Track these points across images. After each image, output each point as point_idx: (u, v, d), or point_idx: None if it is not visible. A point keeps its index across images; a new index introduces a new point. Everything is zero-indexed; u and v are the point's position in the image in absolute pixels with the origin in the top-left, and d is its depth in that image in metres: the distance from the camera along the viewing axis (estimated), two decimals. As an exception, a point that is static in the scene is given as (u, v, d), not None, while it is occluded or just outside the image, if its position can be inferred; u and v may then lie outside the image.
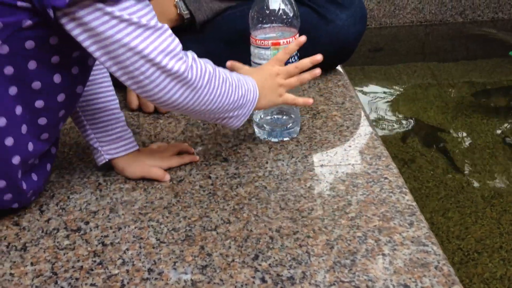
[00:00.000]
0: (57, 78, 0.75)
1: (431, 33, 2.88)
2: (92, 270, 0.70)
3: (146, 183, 0.89)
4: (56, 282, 0.69)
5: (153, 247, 0.74)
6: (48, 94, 0.75)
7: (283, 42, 0.94)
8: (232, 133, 1.03)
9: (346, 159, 0.93)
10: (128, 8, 0.68)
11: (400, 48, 2.80)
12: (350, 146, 0.98)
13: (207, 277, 0.68)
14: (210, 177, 0.90)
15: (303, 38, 0.92)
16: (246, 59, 1.00)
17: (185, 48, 0.79)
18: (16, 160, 0.74)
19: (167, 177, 0.89)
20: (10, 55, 0.69)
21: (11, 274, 0.71)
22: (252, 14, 0.95)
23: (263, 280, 0.67)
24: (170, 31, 0.73)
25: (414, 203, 0.80)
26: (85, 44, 0.69)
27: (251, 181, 0.88)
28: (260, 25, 0.95)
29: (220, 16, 1.21)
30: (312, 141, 1.00)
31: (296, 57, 0.97)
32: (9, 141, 0.73)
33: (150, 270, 0.70)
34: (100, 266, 0.71)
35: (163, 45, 0.71)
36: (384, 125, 1.96)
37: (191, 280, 0.68)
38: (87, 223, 0.80)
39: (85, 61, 0.79)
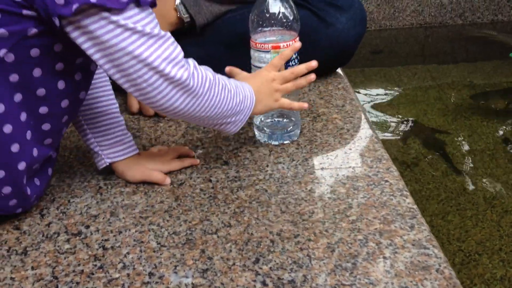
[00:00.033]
0: (61, 85, 0.75)
1: (430, 35, 2.88)
2: (92, 274, 0.70)
3: (147, 186, 0.89)
4: (56, 286, 0.69)
5: (154, 251, 0.74)
6: (52, 100, 0.75)
7: (283, 46, 0.94)
8: (232, 136, 1.03)
9: (347, 162, 0.93)
10: (133, 17, 0.69)
11: (400, 50, 2.80)
12: (350, 149, 0.98)
13: (208, 280, 0.68)
14: (210, 180, 0.90)
15: (298, 44, 0.93)
16: (246, 62, 1.00)
17: (185, 51, 0.79)
18: (22, 166, 0.75)
19: (168, 180, 0.89)
20: (15, 63, 0.70)
21: (11, 278, 0.70)
22: (252, 18, 0.96)
23: (264, 283, 0.67)
24: (172, 39, 0.74)
25: (415, 206, 0.80)
26: (89, 52, 0.70)
27: (252, 184, 0.88)
28: (260, 28, 0.95)
29: (220, 20, 1.21)
30: (312, 144, 1.00)
31: (296, 60, 0.97)
32: (15, 148, 0.74)
33: (151, 274, 0.70)
34: (101, 270, 0.71)
35: (166, 53, 0.72)
36: (385, 128, 1.97)
37: (192, 284, 0.68)
38: (87, 227, 0.80)
39: (88, 67, 0.79)
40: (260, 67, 0.95)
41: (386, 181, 0.87)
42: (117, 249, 0.75)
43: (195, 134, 1.06)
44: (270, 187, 0.87)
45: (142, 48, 0.70)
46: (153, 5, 0.71)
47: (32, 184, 0.80)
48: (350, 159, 0.94)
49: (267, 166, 0.93)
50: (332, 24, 1.20)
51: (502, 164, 1.69)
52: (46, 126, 0.77)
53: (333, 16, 1.20)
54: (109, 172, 0.92)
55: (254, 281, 0.67)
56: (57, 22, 0.67)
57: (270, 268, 0.69)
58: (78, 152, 1.02)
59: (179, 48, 0.74)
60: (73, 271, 0.71)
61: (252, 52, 0.97)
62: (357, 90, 2.25)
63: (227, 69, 0.96)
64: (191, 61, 0.77)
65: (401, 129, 1.95)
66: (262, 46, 0.94)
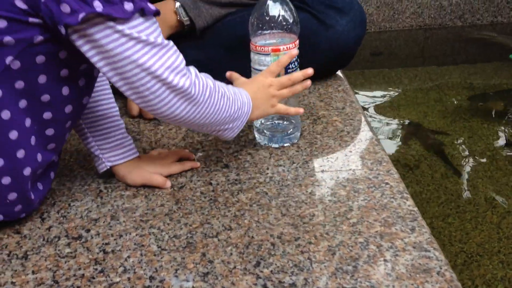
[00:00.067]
0: (65, 91, 0.76)
1: (430, 37, 2.88)
2: (93, 278, 0.70)
3: (147, 190, 0.89)
4: (57, 291, 0.69)
5: (155, 255, 0.74)
6: (56, 106, 0.76)
7: (283, 48, 0.94)
8: (232, 139, 1.03)
9: (347, 165, 0.93)
10: (137, 26, 0.70)
11: (399, 52, 2.80)
12: (350, 152, 0.98)
13: (209, 284, 0.68)
14: (211, 184, 0.90)
15: (295, 51, 0.94)
16: (246, 65, 1.00)
17: (185, 54, 0.80)
18: (27, 171, 0.76)
19: (168, 184, 0.89)
20: (21, 70, 0.70)
21: (12, 283, 0.70)
22: (252, 21, 0.96)
23: (265, 287, 0.67)
24: (175, 48, 0.75)
25: (416, 209, 0.80)
26: (94, 59, 0.71)
27: (252, 187, 0.88)
28: (260, 31, 0.95)
29: (220, 22, 1.21)
30: (312, 147, 1.00)
31: (296, 63, 0.97)
32: (20, 153, 0.74)
33: (151, 278, 0.70)
34: (102, 274, 0.71)
35: (169, 61, 0.73)
36: (385, 130, 1.97)
37: (193, 287, 0.68)
38: (88, 230, 0.80)
39: (92, 73, 0.80)
40: (260, 70, 0.96)
41: (387, 183, 0.87)
42: (118, 253, 0.75)
43: (195, 137, 1.06)
44: (271, 190, 0.87)
45: (146, 57, 0.71)
46: (157, 14, 0.72)
47: (36, 189, 0.80)
48: (350, 162, 0.94)
49: (268, 169, 0.93)
50: (332, 26, 1.20)
51: (502, 166, 1.69)
52: (50, 132, 0.78)
53: (332, 19, 1.20)
54: (110, 175, 0.92)
55: (255, 284, 0.67)
56: (63, 30, 0.68)
57: (271, 271, 0.69)
58: (79, 155, 1.02)
59: (181, 56, 0.75)
60: (74, 275, 0.71)
61: (252, 55, 0.97)
62: (357, 92, 2.25)
63: (228, 74, 0.97)
64: (192, 69, 0.78)
65: (401, 131, 1.95)
66: (262, 49, 0.94)
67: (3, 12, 0.66)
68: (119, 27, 0.68)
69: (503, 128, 1.95)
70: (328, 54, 1.23)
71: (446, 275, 0.67)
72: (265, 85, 0.91)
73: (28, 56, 0.70)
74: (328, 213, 0.80)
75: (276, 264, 0.70)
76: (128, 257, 0.74)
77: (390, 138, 1.90)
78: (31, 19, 0.68)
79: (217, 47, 1.22)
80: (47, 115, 0.76)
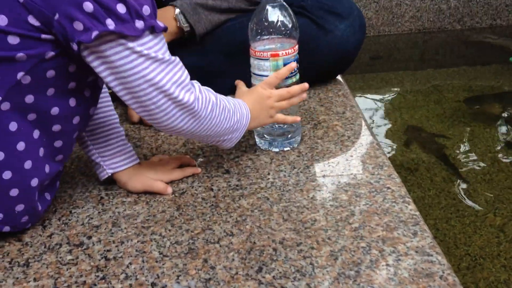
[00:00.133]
0: (72, 102, 0.77)
1: (429, 41, 2.89)
2: (95, 285, 0.70)
3: (148, 196, 0.89)
4: (59, 298, 0.69)
5: (156, 261, 0.73)
6: (64, 118, 0.77)
7: (282, 53, 0.94)
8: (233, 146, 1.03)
9: (348, 169, 0.93)
10: (147, 43, 0.72)
11: (399, 56, 2.81)
12: (351, 156, 0.97)
13: (211, 290, 0.68)
14: (212, 189, 0.90)
15: (294, 64, 0.95)
16: (245, 71, 1.00)
17: (185, 60, 0.80)
18: (34, 182, 0.76)
19: (169, 190, 0.89)
20: (31, 84, 0.71)
21: (14, 290, 0.70)
22: (251, 26, 0.96)
23: (267, 292, 0.67)
24: (181, 63, 0.77)
25: (418, 213, 0.80)
26: (103, 74, 0.72)
27: (253, 193, 0.88)
28: (259, 36, 0.96)
29: (220, 28, 1.22)
30: (313, 152, 1.00)
31: (296, 69, 0.97)
32: (28, 165, 0.75)
33: (153, 284, 0.69)
34: (103, 281, 0.71)
35: (176, 77, 0.75)
36: (385, 133, 1.97)
37: (195, 294, 0.67)
38: (89, 237, 0.80)
39: (97, 84, 0.81)
40: (259, 75, 0.96)
41: (388, 187, 0.87)
42: (120, 259, 0.74)
43: (196, 143, 1.06)
44: (272, 195, 0.87)
45: (154, 73, 0.72)
46: (164, 30, 0.74)
47: (43, 200, 0.81)
48: (351, 166, 0.94)
49: (269, 174, 0.93)
50: (331, 31, 1.20)
51: (504, 169, 1.69)
52: (58, 143, 0.79)
53: (332, 24, 1.20)
54: (111, 182, 0.92)
55: (257, 290, 0.67)
56: (75, 47, 0.69)
57: (273, 276, 0.69)
58: (80, 162, 1.02)
59: (186, 71, 0.78)
60: (76, 282, 0.71)
61: (251, 60, 0.97)
62: (357, 96, 2.25)
63: (236, 82, 1.00)
64: (196, 84, 0.80)
65: (401, 134, 1.95)
66: (261, 54, 0.95)
67: (16, 29, 0.68)
68: (130, 44, 0.70)
69: (502, 130, 1.95)
70: (327, 59, 1.23)
71: (449, 279, 0.67)
72: (264, 97, 0.92)
73: (39, 71, 0.71)
74: (330, 218, 0.80)
75: (278, 270, 0.70)
76: (130, 263, 0.73)
77: (391, 142, 1.90)
78: (43, 36, 0.69)
79: (217, 53, 1.22)
80: (56, 127, 0.77)
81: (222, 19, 1.21)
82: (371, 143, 1.02)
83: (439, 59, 2.69)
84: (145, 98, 0.74)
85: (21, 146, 0.73)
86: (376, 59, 2.73)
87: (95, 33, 0.67)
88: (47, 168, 0.78)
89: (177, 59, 0.76)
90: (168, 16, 1.16)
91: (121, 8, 0.68)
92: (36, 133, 0.75)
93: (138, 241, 0.78)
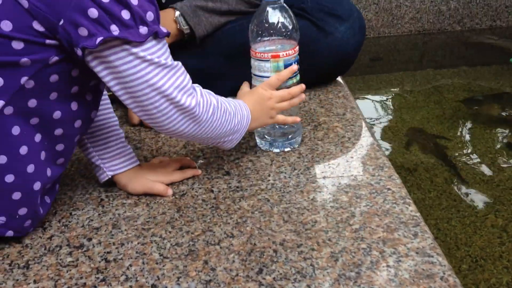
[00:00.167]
0: (74, 106, 0.77)
1: (429, 42, 2.89)
2: (95, 287, 0.70)
3: (149, 198, 0.89)
4: (59, 300, 0.68)
5: (157, 263, 0.73)
6: (66, 122, 0.77)
7: (283, 55, 0.94)
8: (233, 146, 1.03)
9: (349, 171, 0.93)
10: (150, 49, 0.72)
11: (399, 57, 2.81)
12: (352, 157, 0.97)
13: (211, 292, 0.68)
14: (212, 191, 0.90)
15: (295, 66, 0.96)
16: (245, 73, 1.00)
17: (185, 63, 0.80)
18: (37, 186, 0.76)
19: (170, 192, 0.89)
20: (35, 89, 0.71)
21: (14, 292, 0.70)
22: (252, 28, 0.96)
23: (267, 294, 0.67)
24: (183, 68, 0.77)
25: (418, 214, 0.80)
26: (106, 79, 0.73)
27: (254, 194, 0.88)
28: (259, 38, 0.96)
29: (220, 31, 1.22)
30: (314, 153, 1.00)
31: (297, 71, 0.97)
32: (30, 168, 0.75)
33: (153, 286, 0.69)
34: (104, 282, 0.71)
35: (178, 81, 0.75)
36: (385, 135, 1.96)
37: (195, 295, 0.67)
38: (89, 239, 0.80)
39: (98, 88, 0.81)
40: (260, 76, 0.96)
41: (389, 189, 0.87)
42: (120, 261, 0.74)
43: (196, 145, 1.06)
44: (272, 196, 0.87)
45: (157, 78, 0.73)
46: (167, 36, 0.74)
47: (44, 203, 0.81)
48: (352, 168, 0.94)
49: (269, 175, 0.93)
50: (331, 33, 1.21)
51: (504, 169, 1.69)
52: (60, 147, 0.79)
53: (332, 26, 1.20)
54: (111, 184, 0.92)
55: (258, 292, 0.67)
56: (79, 52, 0.69)
57: (274, 278, 0.69)
58: (80, 164, 1.02)
59: (188, 76, 0.78)
60: (76, 284, 0.71)
61: (252, 61, 0.97)
62: (358, 98, 2.25)
63: (244, 83, 1.01)
64: (198, 88, 0.81)
65: (402, 135, 1.95)
66: (262, 56, 0.95)
67: (21, 34, 0.68)
68: (134, 50, 0.71)
69: (502, 131, 1.95)
70: (328, 60, 1.23)
71: (449, 280, 0.67)
72: (265, 98, 0.92)
73: (42, 76, 0.71)
74: (330, 219, 0.80)
75: (278, 271, 0.70)
76: (130, 265, 0.73)
77: (391, 143, 1.90)
78: (47, 41, 0.69)
79: (217, 56, 1.22)
80: (58, 131, 0.77)
81: (222, 21, 1.21)
82: (372, 144, 1.02)
83: (439, 60, 2.69)
84: (147, 103, 0.74)
85: (24, 150, 0.73)
86: (376, 60, 2.73)
87: (99, 39, 0.68)
88: (49, 172, 0.78)
89: (179, 63, 0.77)
90: (168, 19, 1.16)
91: (125, 14, 0.69)
92: (38, 137, 0.75)
93: (138, 243, 0.78)
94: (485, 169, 1.70)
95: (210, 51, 1.21)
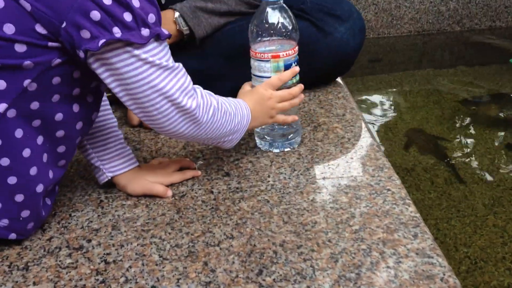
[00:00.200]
0: (75, 108, 0.77)
1: (429, 42, 2.89)
2: (95, 288, 0.70)
3: (148, 199, 0.89)
4: (59, 302, 0.68)
5: (156, 264, 0.73)
6: (68, 124, 0.77)
7: (283, 55, 0.94)
8: (233, 147, 1.03)
9: (348, 171, 0.93)
10: (152, 51, 0.72)
11: (398, 58, 2.81)
12: (352, 158, 0.97)
13: (211, 293, 0.67)
14: (212, 192, 0.90)
15: (297, 68, 0.96)
16: (245, 74, 1.00)
17: (185, 64, 0.80)
18: (40, 188, 0.76)
19: (169, 193, 0.89)
20: (37, 91, 0.71)
21: (13, 294, 0.70)
22: (251, 28, 0.96)
23: (267, 295, 0.66)
24: (184, 70, 0.78)
25: (418, 214, 0.80)
26: (107, 81, 0.73)
27: (254, 195, 0.88)
28: (259, 38, 0.96)
29: (220, 32, 1.22)
30: (313, 154, 0.99)
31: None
32: (33, 171, 0.75)
33: (153, 288, 0.69)
34: (103, 284, 0.70)
35: (179, 83, 0.75)
36: (385, 135, 1.96)
37: (195, 297, 0.67)
38: (89, 241, 0.79)
39: (99, 89, 0.81)
40: (260, 76, 0.96)
41: (388, 189, 0.86)
42: (119, 263, 0.74)
43: (196, 146, 1.06)
44: (272, 197, 0.87)
45: (158, 80, 0.73)
46: (168, 38, 0.74)
47: (45, 205, 0.81)
48: (351, 168, 0.94)
49: (269, 176, 0.93)
50: (331, 34, 1.20)
51: (505, 169, 1.69)
52: (61, 149, 0.79)
53: (331, 26, 1.20)
54: (110, 185, 0.92)
55: (258, 293, 0.67)
56: (81, 54, 0.70)
57: (274, 279, 0.69)
58: (79, 166, 1.02)
59: (189, 77, 0.78)
60: (75, 286, 0.71)
61: (252, 61, 0.97)
62: (357, 98, 2.25)
63: (246, 83, 1.00)
64: (198, 89, 0.81)
65: (401, 136, 1.94)
66: (262, 56, 0.95)
67: (23, 37, 0.68)
68: (136, 52, 0.71)
69: (502, 131, 1.95)
70: (327, 61, 1.23)
71: (449, 281, 0.66)
72: (265, 98, 0.93)
73: (45, 78, 0.71)
74: (330, 220, 0.80)
75: (278, 272, 0.70)
76: (130, 267, 0.73)
77: (391, 144, 1.90)
78: (50, 44, 0.69)
79: (217, 56, 1.22)
80: (59, 133, 0.77)
81: (222, 22, 1.21)
82: (371, 145, 1.02)
83: (438, 61, 2.69)
84: (148, 104, 0.74)
85: (26, 152, 0.73)
86: (376, 61, 2.73)
87: (102, 41, 0.68)
88: (51, 174, 0.79)
89: (180, 65, 0.77)
90: (168, 19, 1.16)
91: (127, 17, 0.69)
92: (40, 139, 0.75)
93: (138, 244, 0.78)
94: (484, 169, 1.70)
95: (210, 52, 1.21)
